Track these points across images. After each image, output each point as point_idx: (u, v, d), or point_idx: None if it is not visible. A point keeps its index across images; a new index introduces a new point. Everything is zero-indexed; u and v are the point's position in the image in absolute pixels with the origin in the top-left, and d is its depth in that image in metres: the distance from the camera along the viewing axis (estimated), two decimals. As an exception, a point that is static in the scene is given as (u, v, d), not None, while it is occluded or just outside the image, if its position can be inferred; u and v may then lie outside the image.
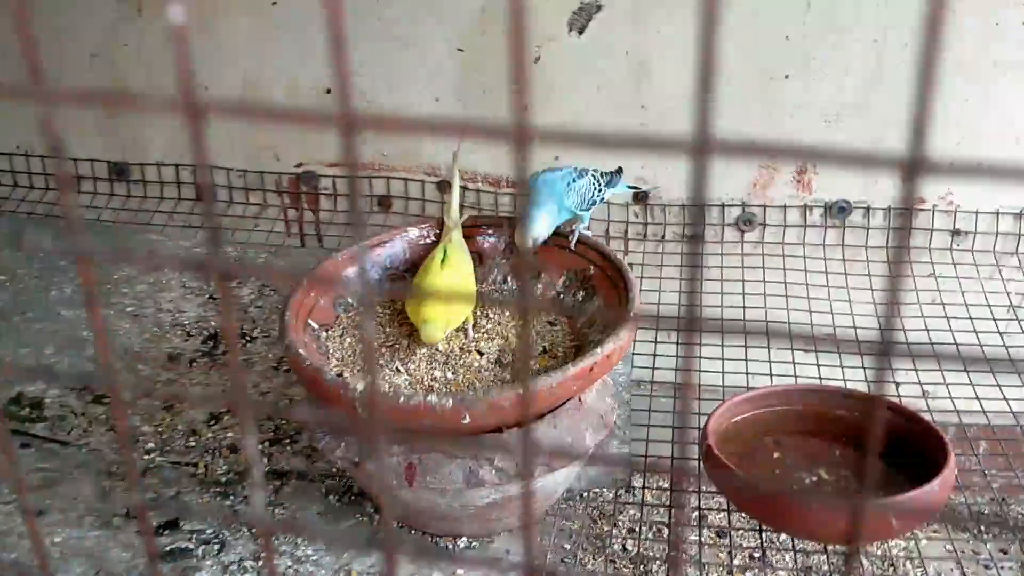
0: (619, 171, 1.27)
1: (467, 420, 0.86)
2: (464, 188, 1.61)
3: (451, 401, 0.85)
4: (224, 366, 1.31)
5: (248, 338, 1.37)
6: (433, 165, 1.61)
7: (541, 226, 1.07)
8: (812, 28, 1.40)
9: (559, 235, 1.13)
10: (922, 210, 1.49)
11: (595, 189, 1.14)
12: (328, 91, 1.57)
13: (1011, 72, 1.38)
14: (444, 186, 1.62)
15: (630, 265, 1.53)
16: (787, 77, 1.44)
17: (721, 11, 0.25)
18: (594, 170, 1.19)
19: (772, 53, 1.42)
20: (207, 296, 1.45)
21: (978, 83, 1.39)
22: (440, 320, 0.99)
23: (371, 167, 1.63)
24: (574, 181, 1.11)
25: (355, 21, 1.51)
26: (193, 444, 1.18)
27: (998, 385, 1.35)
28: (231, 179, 1.66)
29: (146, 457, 1.15)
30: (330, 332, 1.05)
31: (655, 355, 1.43)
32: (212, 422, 1.21)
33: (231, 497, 1.08)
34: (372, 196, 1.64)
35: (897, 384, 1.38)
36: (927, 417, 1.08)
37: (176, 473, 1.13)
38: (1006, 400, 1.30)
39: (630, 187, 1.42)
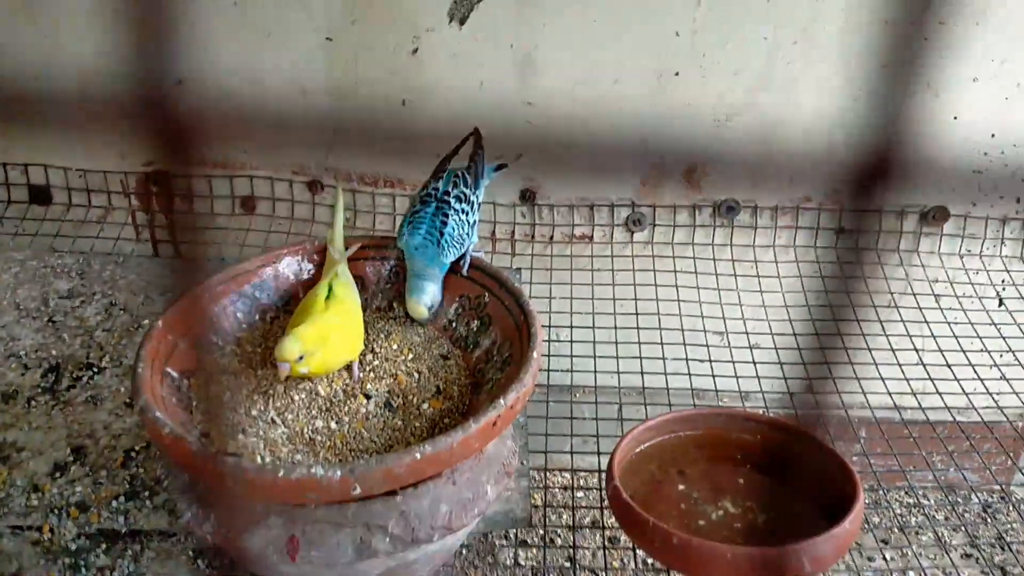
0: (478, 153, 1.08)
1: (358, 491, 0.76)
2: (344, 189, 1.48)
3: (339, 472, 0.75)
4: (68, 404, 1.15)
5: (95, 368, 1.21)
6: (301, 163, 1.48)
7: (432, 294, 1.00)
8: (702, 24, 1.35)
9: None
10: (808, 209, 1.48)
11: (466, 217, 1.03)
12: (180, 82, 1.40)
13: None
14: (315, 186, 1.49)
15: (518, 270, 1.47)
16: (677, 75, 1.38)
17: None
18: (456, 179, 1.03)
19: (662, 50, 1.36)
20: (46, 319, 1.28)
21: (866, 80, 1.38)
22: (312, 362, 0.87)
23: (232, 166, 1.47)
24: (443, 236, 0.99)
25: (208, 6, 1.35)
26: (36, 503, 1.03)
27: (881, 379, 1.36)
28: (69, 179, 1.47)
29: (-22, 523, 1.00)
30: (192, 380, 0.93)
31: (548, 356, 1.37)
32: (57, 474, 1.06)
33: (83, 570, 0.95)
34: (234, 197, 1.49)
35: (787, 381, 1.37)
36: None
37: (16, 541, 0.98)
38: (889, 395, 1.31)
39: (496, 168, 1.17)
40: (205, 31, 1.37)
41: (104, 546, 0.98)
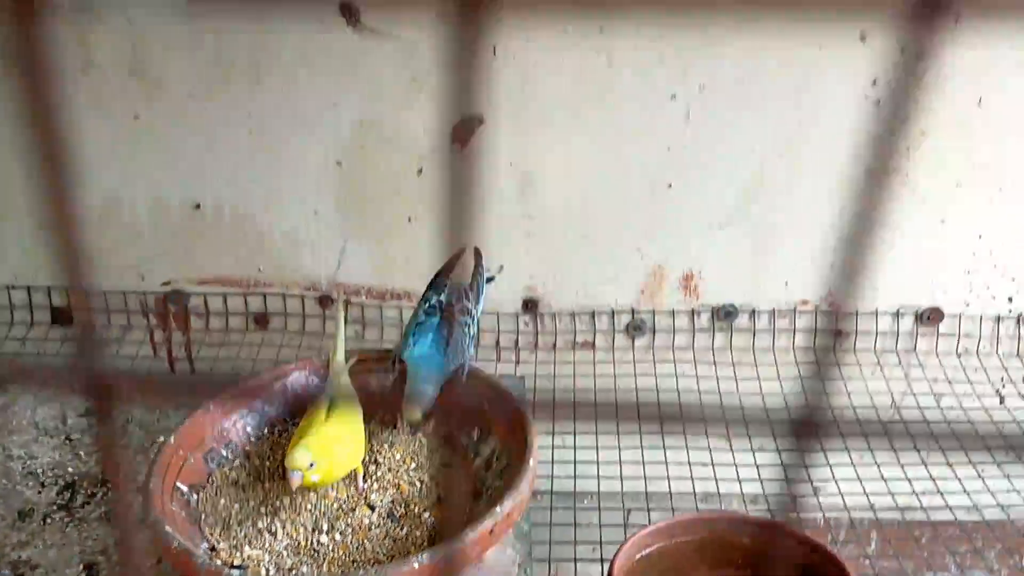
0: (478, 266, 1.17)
1: (359, 603, 0.78)
2: (346, 302, 1.54)
3: (340, 584, 0.77)
4: (83, 521, 1.18)
5: (109, 485, 1.24)
6: (313, 279, 1.54)
7: (429, 401, 1.02)
8: (691, 139, 1.41)
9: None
10: (805, 311, 1.52)
11: (468, 331, 1.08)
12: (197, 206, 1.48)
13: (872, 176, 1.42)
14: (326, 301, 1.54)
15: (521, 378, 1.50)
16: (670, 186, 1.44)
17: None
18: (460, 294, 1.10)
19: (655, 164, 1.43)
20: (63, 437, 1.32)
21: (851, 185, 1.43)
22: (321, 470, 0.90)
23: (246, 284, 1.53)
24: (448, 346, 1.04)
25: (225, 133, 1.44)
26: (51, 622, 1.05)
27: (882, 479, 1.36)
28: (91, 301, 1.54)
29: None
30: (202, 494, 0.96)
31: (552, 462, 1.39)
32: (74, 588, 1.08)
33: None
34: (248, 314, 1.55)
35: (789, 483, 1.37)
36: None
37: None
38: (891, 495, 1.31)
39: (487, 280, 1.24)
40: (222, 157, 1.45)
41: None
